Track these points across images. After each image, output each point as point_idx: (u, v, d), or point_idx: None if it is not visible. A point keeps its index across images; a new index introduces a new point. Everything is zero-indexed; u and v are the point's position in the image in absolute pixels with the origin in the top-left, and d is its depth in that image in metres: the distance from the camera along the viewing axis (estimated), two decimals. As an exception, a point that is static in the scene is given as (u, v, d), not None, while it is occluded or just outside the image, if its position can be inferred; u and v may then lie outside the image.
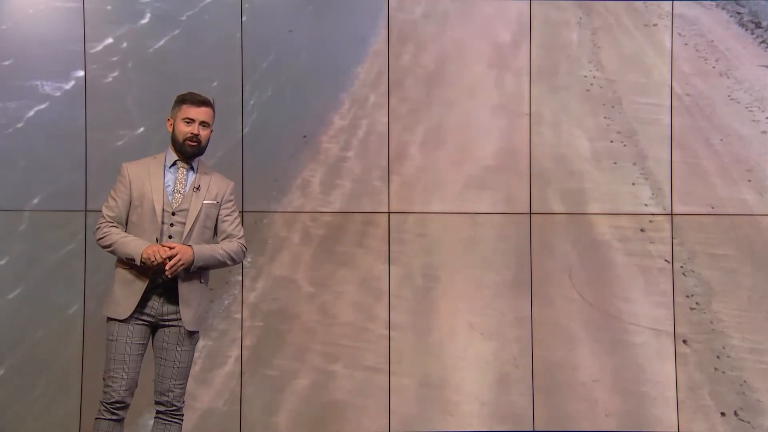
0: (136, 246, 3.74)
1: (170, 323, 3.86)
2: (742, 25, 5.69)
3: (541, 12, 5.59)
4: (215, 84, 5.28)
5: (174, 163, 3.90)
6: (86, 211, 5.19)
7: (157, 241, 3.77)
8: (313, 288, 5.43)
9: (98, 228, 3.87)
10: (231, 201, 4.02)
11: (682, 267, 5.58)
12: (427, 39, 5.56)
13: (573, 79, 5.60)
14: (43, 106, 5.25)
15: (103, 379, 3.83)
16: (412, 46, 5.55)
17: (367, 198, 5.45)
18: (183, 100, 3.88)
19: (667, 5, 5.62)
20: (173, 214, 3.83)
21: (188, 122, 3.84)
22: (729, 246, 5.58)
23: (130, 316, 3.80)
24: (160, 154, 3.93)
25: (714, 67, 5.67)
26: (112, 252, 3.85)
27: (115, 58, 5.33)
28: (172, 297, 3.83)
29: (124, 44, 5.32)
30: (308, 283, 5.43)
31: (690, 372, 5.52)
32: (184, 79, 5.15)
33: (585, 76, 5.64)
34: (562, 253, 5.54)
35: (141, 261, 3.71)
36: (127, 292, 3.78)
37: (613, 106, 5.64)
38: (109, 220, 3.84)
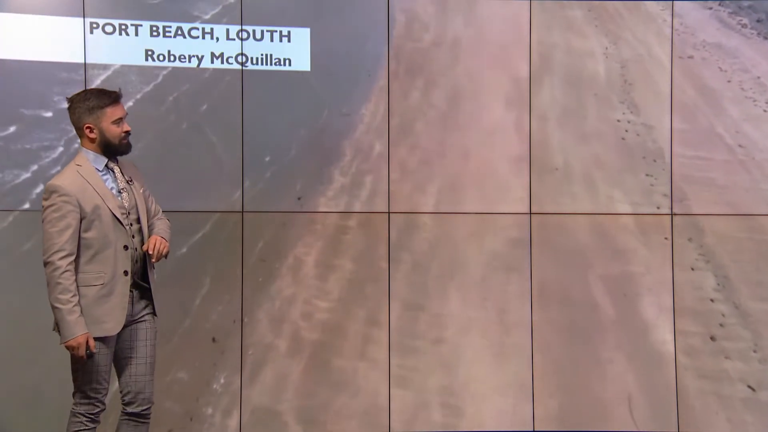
0: (73, 326, 3.65)
1: (140, 320, 3.90)
2: (790, 60, 5.11)
3: (562, 40, 4.92)
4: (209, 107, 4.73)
5: (105, 165, 3.91)
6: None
7: (125, 249, 3.78)
8: (302, 427, 4.66)
9: (55, 267, 3.64)
10: (142, 179, 4.14)
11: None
12: (438, 71, 4.89)
13: (604, 123, 4.93)
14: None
15: (81, 392, 3.78)
16: (421, 80, 4.86)
17: (371, 285, 4.73)
18: (103, 104, 3.82)
19: (703, 33, 4.96)
20: (128, 214, 3.87)
21: (118, 122, 3.86)
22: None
23: None
24: (80, 160, 3.85)
25: (765, 111, 4.98)
26: (52, 301, 3.66)
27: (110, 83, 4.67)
28: (140, 293, 3.90)
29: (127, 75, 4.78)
30: (296, 419, 4.68)
31: None
32: (185, 117, 4.75)
33: (618, 121, 4.96)
34: (616, 372, 4.76)
35: (65, 343, 3.67)
36: (108, 307, 3.75)
37: (654, 160, 4.95)
38: (68, 253, 3.67)
